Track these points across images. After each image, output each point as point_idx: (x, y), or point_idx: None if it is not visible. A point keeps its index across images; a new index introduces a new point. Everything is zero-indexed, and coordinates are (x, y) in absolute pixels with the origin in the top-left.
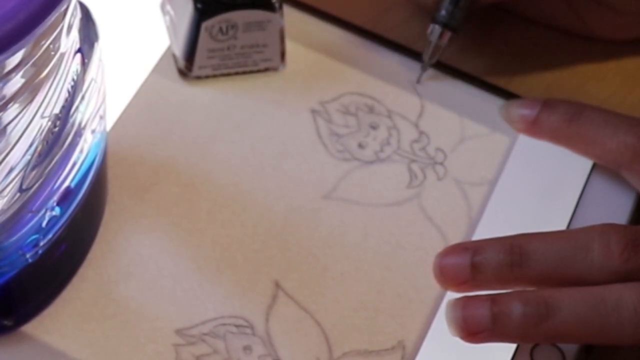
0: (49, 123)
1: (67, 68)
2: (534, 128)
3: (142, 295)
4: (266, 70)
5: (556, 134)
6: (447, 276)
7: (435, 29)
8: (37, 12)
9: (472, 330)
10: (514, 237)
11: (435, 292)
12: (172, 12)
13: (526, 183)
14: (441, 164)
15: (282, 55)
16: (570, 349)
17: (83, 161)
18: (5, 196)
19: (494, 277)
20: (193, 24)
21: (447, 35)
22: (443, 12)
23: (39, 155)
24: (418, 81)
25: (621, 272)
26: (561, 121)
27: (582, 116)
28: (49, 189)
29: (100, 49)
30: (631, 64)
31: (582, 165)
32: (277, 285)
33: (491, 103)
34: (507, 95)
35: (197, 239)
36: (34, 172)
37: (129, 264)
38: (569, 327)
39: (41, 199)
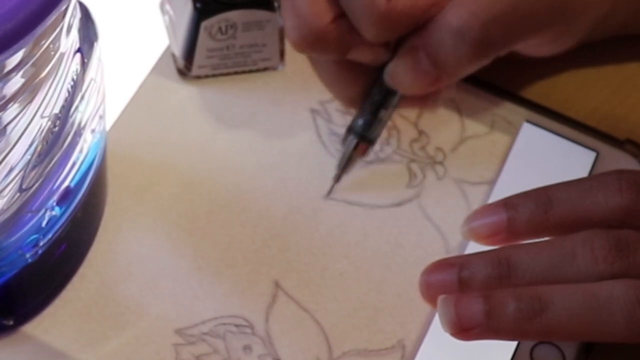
0: (49, 123)
1: (66, 68)
2: (510, 232)
3: (142, 295)
4: (265, 69)
5: (537, 229)
6: (434, 293)
7: (350, 140)
8: (37, 11)
9: (466, 326)
10: (499, 249)
11: None
12: (171, 12)
13: (526, 182)
14: (441, 163)
15: (282, 54)
16: (570, 348)
17: (83, 161)
18: (5, 196)
19: (482, 291)
20: (192, 23)
21: (363, 147)
22: (360, 122)
23: (39, 155)
24: (329, 194)
25: (607, 275)
26: (537, 214)
27: (554, 200)
28: (48, 188)
29: (100, 48)
30: (631, 64)
31: (581, 164)
32: (277, 284)
33: (491, 103)
34: (507, 95)
35: (197, 239)
36: (33, 172)
37: (129, 264)
38: (562, 322)
39: (41, 198)
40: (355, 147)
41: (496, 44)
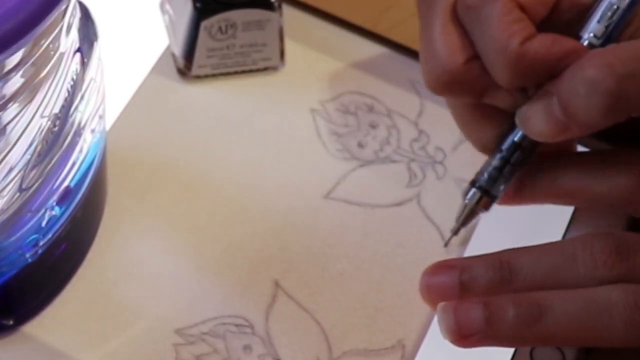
0: (49, 122)
1: (66, 67)
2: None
3: (142, 295)
4: (265, 69)
5: (541, 197)
6: (434, 295)
7: (473, 194)
8: (37, 11)
9: (465, 333)
10: (500, 253)
11: None
12: (171, 12)
13: None
14: (441, 163)
15: (282, 54)
16: (571, 349)
17: (82, 161)
18: (5, 196)
19: (483, 294)
20: (192, 23)
21: (485, 202)
22: (485, 176)
23: (39, 154)
24: (446, 245)
25: (607, 279)
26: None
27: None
28: (48, 188)
29: (100, 48)
30: None
31: None
32: (277, 284)
33: None
34: None
35: (196, 239)
36: (33, 172)
37: (129, 264)
38: (561, 328)
39: (41, 198)
40: (478, 201)
41: (631, 100)
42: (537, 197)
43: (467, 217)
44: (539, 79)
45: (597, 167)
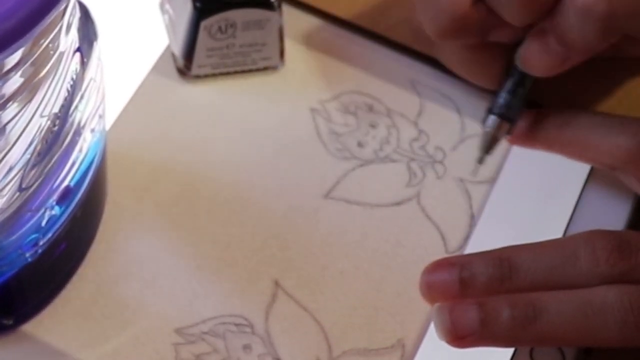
0: (48, 122)
1: (66, 67)
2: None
3: (141, 294)
4: (265, 69)
5: (550, 142)
6: (434, 293)
7: (491, 120)
8: (36, 10)
9: (460, 333)
10: (501, 250)
11: None
12: (171, 11)
13: (526, 182)
14: (440, 162)
15: (281, 54)
16: (570, 349)
17: (82, 160)
18: (5, 195)
19: (483, 292)
20: (192, 22)
21: (505, 127)
22: (500, 102)
23: (39, 154)
24: (474, 174)
25: (608, 277)
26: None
27: (574, 121)
28: (48, 188)
29: (99, 48)
30: (632, 64)
31: (582, 164)
32: (277, 284)
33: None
34: None
35: (196, 238)
36: (33, 171)
37: (129, 263)
38: (557, 328)
39: (40, 198)
40: (498, 127)
41: (621, 20)
42: (546, 141)
43: (490, 144)
44: (546, 12)
45: (604, 125)
